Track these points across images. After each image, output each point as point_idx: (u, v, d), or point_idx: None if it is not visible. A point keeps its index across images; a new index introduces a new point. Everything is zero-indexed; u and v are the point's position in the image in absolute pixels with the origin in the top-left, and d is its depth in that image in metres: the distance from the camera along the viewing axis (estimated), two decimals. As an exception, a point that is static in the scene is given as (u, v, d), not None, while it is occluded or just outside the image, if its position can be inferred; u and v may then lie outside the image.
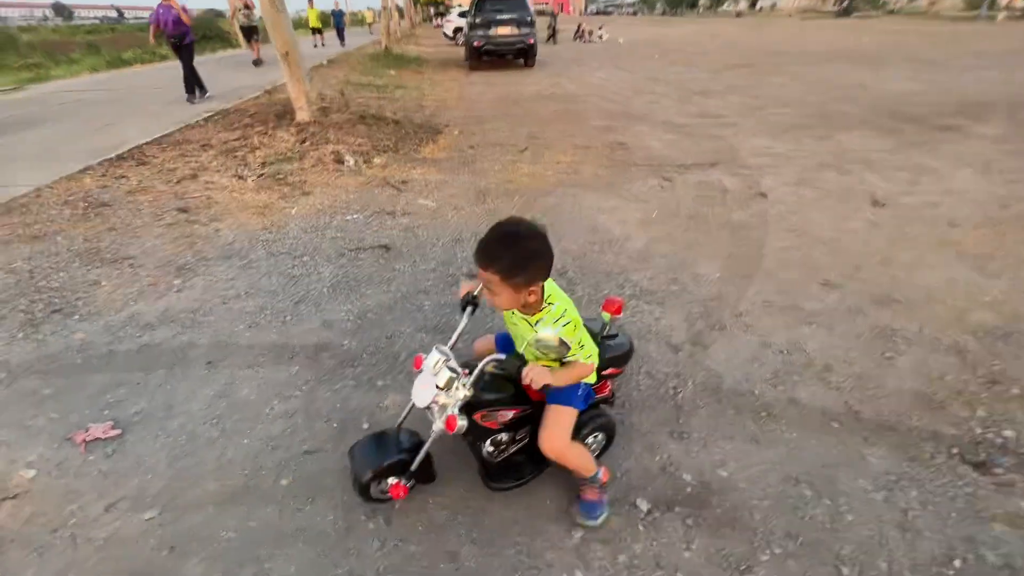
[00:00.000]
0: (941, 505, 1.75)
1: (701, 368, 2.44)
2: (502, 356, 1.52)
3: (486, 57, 14.52)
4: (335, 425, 2.13)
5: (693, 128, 7.10)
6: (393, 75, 12.67)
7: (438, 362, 1.52)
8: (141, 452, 2.01)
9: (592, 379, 1.71)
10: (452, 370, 1.50)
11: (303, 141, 6.09)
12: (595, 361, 1.65)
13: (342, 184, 5.02)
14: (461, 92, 10.92)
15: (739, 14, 58.36)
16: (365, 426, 2.12)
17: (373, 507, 1.75)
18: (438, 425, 1.53)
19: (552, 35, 23.61)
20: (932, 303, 2.92)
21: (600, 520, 1.69)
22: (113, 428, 2.11)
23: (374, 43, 21.50)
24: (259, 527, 1.71)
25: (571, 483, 1.81)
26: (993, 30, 24.50)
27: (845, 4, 48.80)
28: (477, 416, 1.59)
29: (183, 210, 4.34)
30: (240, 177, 5.12)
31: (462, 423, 1.51)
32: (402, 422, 1.80)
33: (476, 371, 1.52)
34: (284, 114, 7.06)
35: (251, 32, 14.64)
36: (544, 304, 1.50)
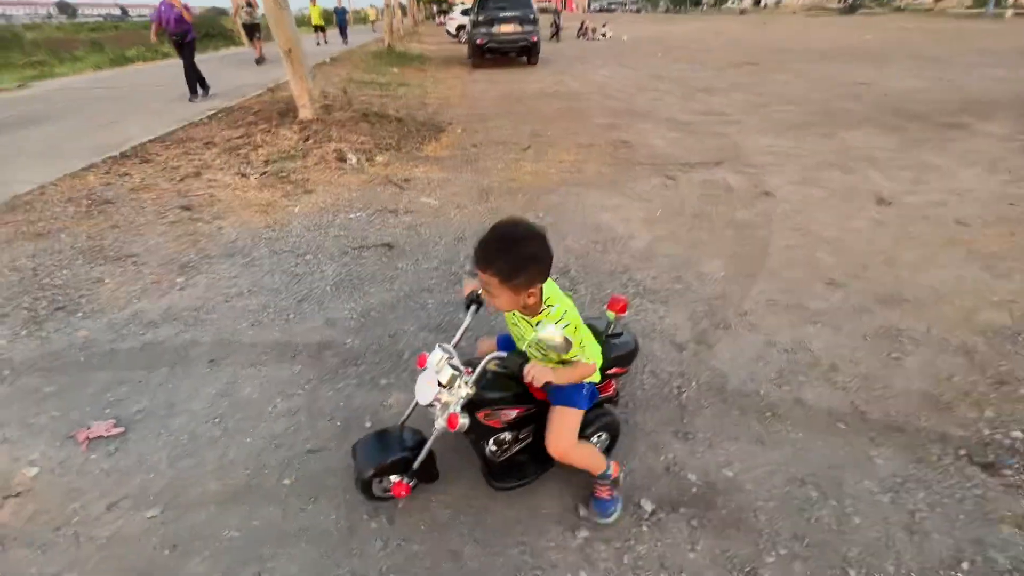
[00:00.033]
0: (949, 507, 1.74)
1: (706, 367, 2.42)
2: (504, 354, 1.51)
3: (489, 55, 14.50)
4: (338, 424, 2.12)
5: (697, 126, 7.07)
6: (396, 73, 12.66)
7: (441, 360, 1.51)
8: (143, 450, 2.01)
9: (596, 378, 1.69)
10: (455, 368, 1.49)
11: (306, 139, 6.08)
12: (597, 361, 1.64)
13: (345, 182, 5.01)
14: (464, 90, 10.89)
15: (743, 11, 58.08)
16: (368, 425, 2.11)
17: (376, 506, 1.74)
18: (440, 423, 1.52)
19: (555, 33, 23.55)
20: (939, 303, 2.90)
21: (613, 518, 1.68)
22: (115, 426, 2.11)
23: (377, 41, 21.48)
24: (262, 526, 1.70)
25: (575, 483, 1.81)
26: (1000, 28, 24.32)
27: (850, 1, 48.50)
28: (480, 415, 1.59)
29: (186, 208, 4.34)
30: (243, 175, 5.11)
31: (464, 421, 1.50)
32: (405, 420, 1.79)
33: (478, 369, 1.51)
34: (287, 112, 7.06)
35: (253, 30, 14.63)
36: (543, 306, 1.50)
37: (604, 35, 24.03)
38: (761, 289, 3.07)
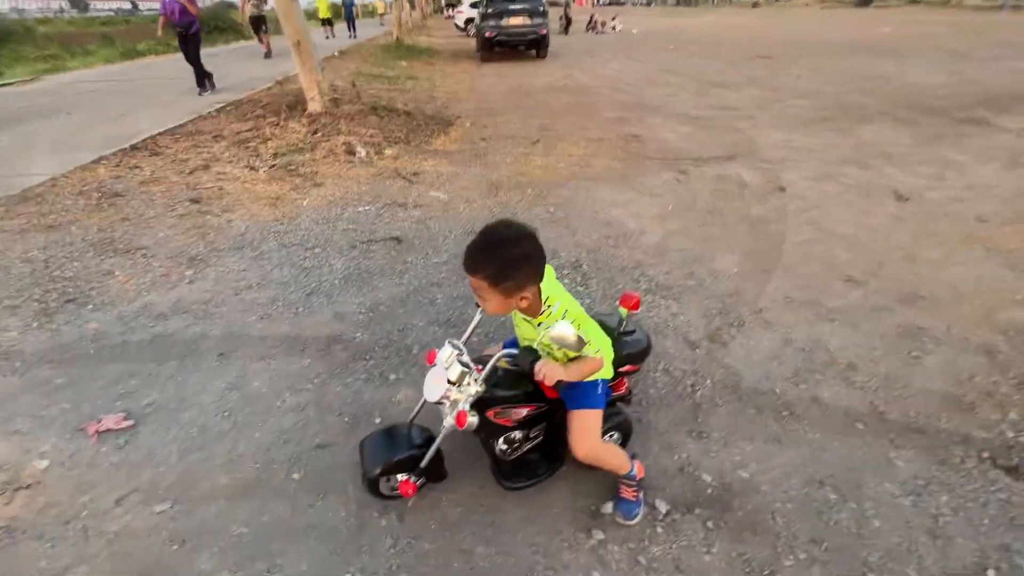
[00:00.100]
0: (973, 511, 1.69)
1: (720, 365, 2.38)
2: (515, 351, 1.48)
3: (498, 48, 14.39)
4: (347, 419, 2.10)
5: (709, 120, 6.98)
6: (404, 66, 12.60)
7: (450, 356, 1.48)
8: (153, 444, 2.00)
9: (609, 374, 1.66)
10: (464, 365, 1.46)
11: (315, 132, 6.06)
12: (607, 355, 1.60)
13: (353, 175, 4.99)
14: (473, 84, 10.83)
15: (756, 4, 57.26)
16: (377, 420, 2.09)
17: (385, 503, 1.72)
18: (449, 421, 1.49)
19: (566, 26, 23.35)
20: (960, 301, 2.83)
21: (637, 519, 1.66)
22: (125, 419, 2.10)
23: (385, 34, 21.39)
24: (271, 522, 1.69)
25: (587, 482, 1.78)
26: (1018, 21, 23.83)
27: (865, -6, 47.67)
28: (490, 413, 1.55)
29: (195, 201, 4.34)
30: (252, 168, 5.11)
31: (473, 419, 1.47)
32: (414, 417, 1.77)
33: (488, 366, 1.48)
34: (296, 105, 7.04)
35: (260, 22, 14.54)
36: (544, 307, 1.46)
37: (614, 28, 23.80)
38: (776, 286, 3.01)
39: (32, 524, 1.68)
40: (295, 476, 1.85)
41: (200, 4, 9.99)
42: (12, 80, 11.57)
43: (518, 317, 1.57)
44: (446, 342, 1.53)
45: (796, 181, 4.64)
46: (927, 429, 2.02)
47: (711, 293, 2.96)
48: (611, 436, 1.82)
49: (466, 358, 1.49)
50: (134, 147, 5.76)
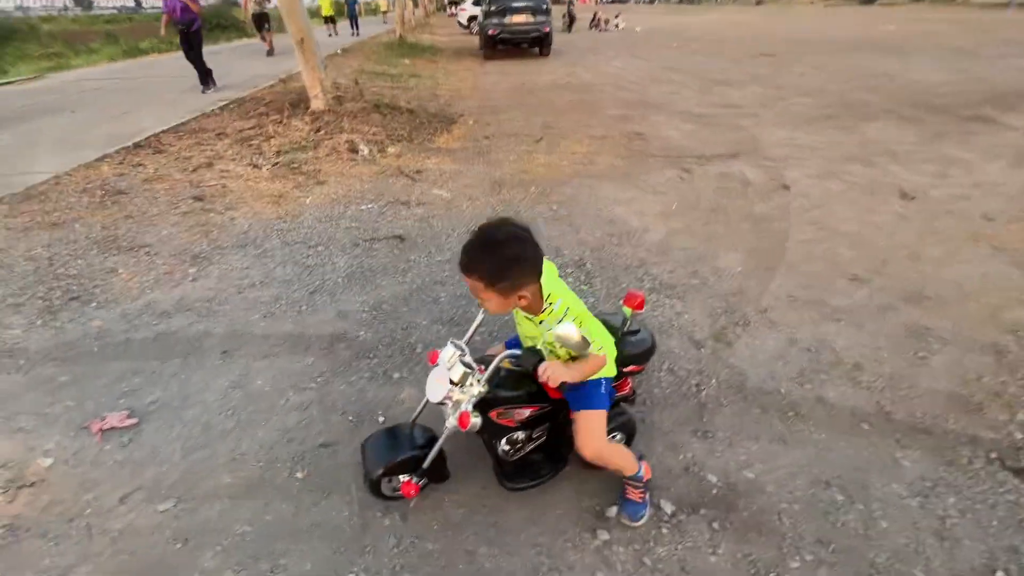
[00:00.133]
0: (981, 513, 1.68)
1: (724, 365, 2.37)
2: (519, 352, 1.46)
3: (501, 46, 14.35)
4: (351, 418, 2.10)
5: (713, 118, 6.95)
6: (407, 64, 12.58)
7: (453, 357, 1.47)
8: (156, 442, 2.00)
9: (612, 372, 1.64)
10: (467, 365, 1.44)
11: (318, 130, 6.06)
12: (608, 352, 1.58)
13: (356, 173, 4.98)
14: (476, 81, 10.81)
15: (759, 1, 56.96)
16: (381, 419, 2.09)
17: (389, 503, 1.71)
18: (451, 422, 1.48)
19: (569, 24, 23.28)
20: (966, 300, 2.81)
21: (643, 521, 1.65)
22: (129, 417, 2.10)
23: (388, 32, 21.36)
24: (274, 521, 1.68)
25: (592, 483, 1.77)
26: (1024, 18, 23.67)
27: (869, -9, 47.38)
28: (493, 414, 1.54)
29: (199, 198, 4.34)
30: (255, 166, 5.10)
31: (476, 420, 1.45)
32: (416, 417, 1.76)
33: (491, 367, 1.46)
34: (299, 103, 7.03)
35: (262, 20, 14.50)
36: (545, 304, 1.45)
37: (617, 26, 23.72)
38: (780, 284, 3.00)
39: (36, 522, 1.68)
40: (298, 475, 1.85)
41: (203, 2, 9.98)
42: (16, 78, 11.59)
43: (520, 315, 1.56)
44: (448, 342, 1.52)
45: (800, 179, 4.61)
46: (934, 430, 2.00)
47: (715, 292, 2.94)
48: (614, 436, 1.81)
49: (468, 358, 1.48)
50: (137, 145, 5.77)
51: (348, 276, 3.17)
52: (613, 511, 1.68)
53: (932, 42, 15.01)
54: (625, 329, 1.82)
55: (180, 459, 1.92)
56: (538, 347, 1.56)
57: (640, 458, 1.69)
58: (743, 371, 2.32)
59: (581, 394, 1.56)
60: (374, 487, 1.63)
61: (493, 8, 13.99)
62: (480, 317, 1.69)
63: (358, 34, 21.19)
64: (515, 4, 13.78)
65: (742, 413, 2.10)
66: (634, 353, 1.79)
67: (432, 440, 1.64)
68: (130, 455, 1.94)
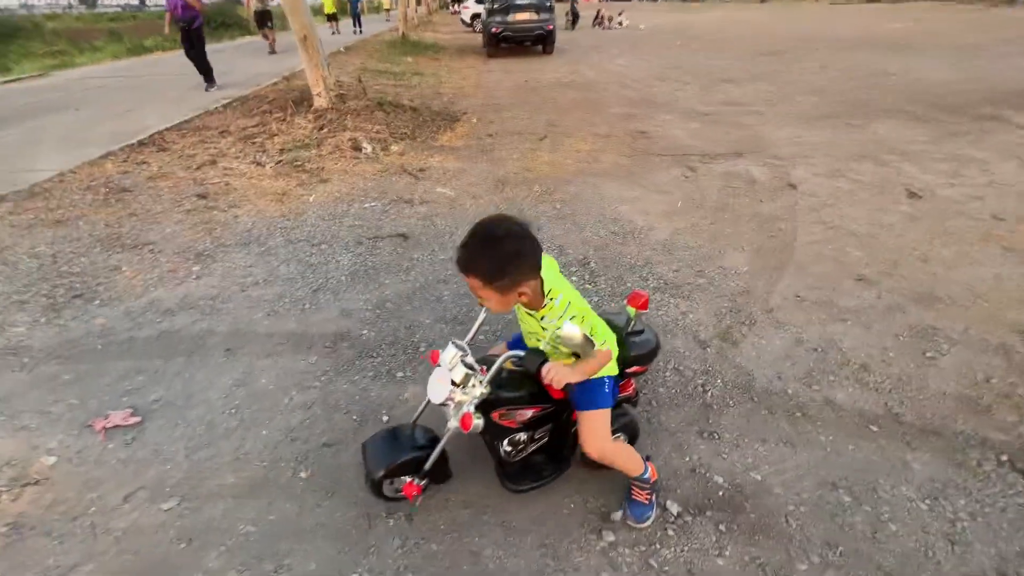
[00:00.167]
0: (991, 516, 1.65)
1: (731, 365, 2.35)
2: (522, 352, 1.45)
3: (504, 44, 14.31)
4: (354, 418, 2.09)
5: (718, 116, 6.91)
6: (410, 62, 12.56)
7: (454, 357, 1.45)
8: (160, 441, 1.99)
9: (614, 371, 1.62)
10: (468, 366, 1.42)
11: (321, 128, 6.05)
12: (611, 347, 1.56)
13: (359, 171, 4.97)
14: (479, 79, 10.78)
15: None
16: (385, 419, 2.07)
17: (393, 504, 1.70)
18: (453, 423, 1.46)
19: (572, 22, 23.20)
20: (976, 301, 2.78)
21: (648, 522, 1.63)
22: (132, 415, 2.09)
23: (391, 30, 21.33)
24: (278, 521, 1.68)
25: (596, 483, 1.76)
26: (1032, 15, 23.46)
27: (875, -12, 47.01)
28: (495, 415, 1.53)
29: (202, 196, 4.34)
30: (258, 164, 5.10)
31: (478, 422, 1.44)
32: (418, 418, 1.74)
33: (494, 368, 1.45)
34: (302, 101, 7.02)
35: (264, 18, 14.48)
36: (546, 300, 1.43)
37: (621, 24, 23.63)
38: (787, 284, 2.97)
39: (40, 520, 1.68)
40: (302, 475, 1.84)
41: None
42: (20, 76, 11.62)
43: (521, 311, 1.54)
44: (450, 342, 1.50)
45: (807, 178, 4.58)
46: (943, 431, 1.98)
47: (721, 291, 2.92)
48: (618, 437, 1.79)
49: (470, 359, 1.46)
50: (141, 143, 5.77)
51: (351, 274, 3.16)
52: (619, 513, 1.67)
53: (938, 40, 14.90)
54: (629, 329, 1.80)
55: (184, 458, 1.92)
56: (541, 347, 1.54)
57: (646, 459, 1.67)
58: (749, 371, 2.30)
59: (584, 394, 1.54)
60: (376, 488, 1.62)
61: (496, 6, 13.96)
62: (482, 316, 1.67)
63: (361, 32, 21.17)
64: (518, 2, 13.76)
65: (749, 414, 2.08)
66: (637, 354, 1.77)
67: (433, 441, 1.63)
68: (133, 454, 1.94)
